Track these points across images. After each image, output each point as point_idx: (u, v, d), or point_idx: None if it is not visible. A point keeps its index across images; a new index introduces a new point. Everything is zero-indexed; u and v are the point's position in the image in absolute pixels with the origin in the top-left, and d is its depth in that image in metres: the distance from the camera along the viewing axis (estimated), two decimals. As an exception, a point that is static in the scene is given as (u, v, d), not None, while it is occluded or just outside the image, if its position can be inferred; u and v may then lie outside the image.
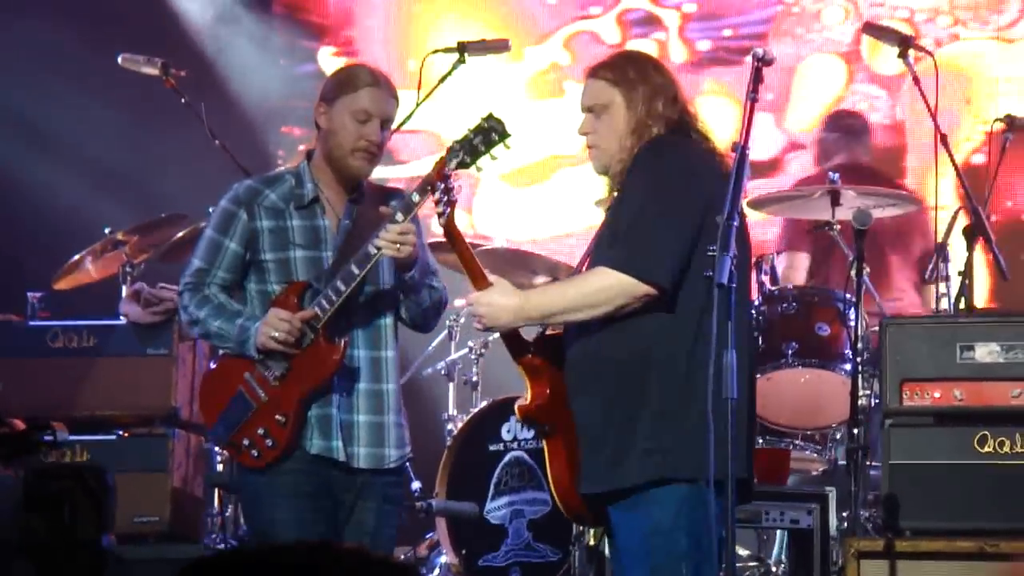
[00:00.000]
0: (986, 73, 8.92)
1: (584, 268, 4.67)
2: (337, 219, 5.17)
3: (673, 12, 9.31)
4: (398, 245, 4.95)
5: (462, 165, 4.89)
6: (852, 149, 8.13)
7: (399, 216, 4.96)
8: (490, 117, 4.92)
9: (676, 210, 4.42)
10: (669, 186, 4.49)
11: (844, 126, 8.24)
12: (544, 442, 4.66)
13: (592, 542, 6.08)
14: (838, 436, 6.76)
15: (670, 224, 4.43)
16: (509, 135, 4.86)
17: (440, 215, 4.74)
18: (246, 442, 5.10)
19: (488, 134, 4.90)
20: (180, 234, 7.14)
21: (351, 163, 5.12)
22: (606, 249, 4.55)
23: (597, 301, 4.51)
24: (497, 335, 7.10)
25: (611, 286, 4.48)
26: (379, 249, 4.97)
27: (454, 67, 6.57)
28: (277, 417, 5.08)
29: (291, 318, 5.03)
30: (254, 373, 5.12)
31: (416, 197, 4.92)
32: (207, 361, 6.67)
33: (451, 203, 4.78)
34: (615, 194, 4.65)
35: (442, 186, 4.77)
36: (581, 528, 6.18)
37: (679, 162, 4.51)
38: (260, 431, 5.10)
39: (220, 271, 5.15)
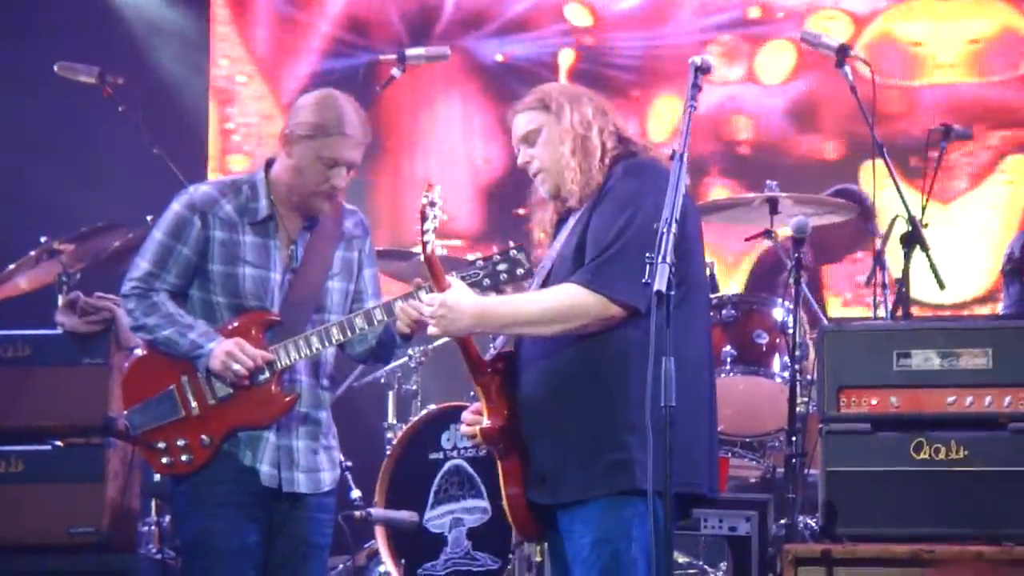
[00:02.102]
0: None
1: (545, 281, 4.65)
2: (289, 242, 5.14)
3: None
4: (415, 322, 4.89)
5: (475, 284, 4.87)
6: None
7: (423, 294, 4.86)
8: (520, 248, 4.88)
9: (655, 233, 4.39)
10: (649, 209, 4.48)
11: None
12: (499, 462, 4.65)
13: (539, 558, 6.08)
14: (776, 443, 6.78)
15: (645, 249, 4.39)
16: (531, 275, 4.82)
17: (424, 246, 4.65)
18: (161, 445, 5.06)
19: (514, 266, 4.87)
20: (117, 243, 7.09)
21: (311, 202, 5.10)
22: (572, 264, 4.55)
23: (563, 317, 4.51)
24: (437, 343, 7.12)
25: (580, 304, 4.49)
26: (373, 326, 4.94)
27: (392, 76, 6.57)
28: (203, 437, 5.05)
29: (255, 357, 4.99)
30: (192, 381, 5.08)
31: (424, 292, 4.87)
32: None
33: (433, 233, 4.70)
34: (576, 210, 4.63)
35: (428, 221, 4.67)
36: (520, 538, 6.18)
37: (660, 185, 4.50)
38: (180, 442, 5.07)
39: (171, 276, 5.10)
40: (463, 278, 4.83)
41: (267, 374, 5.04)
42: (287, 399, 5.07)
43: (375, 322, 5.02)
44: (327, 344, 5.05)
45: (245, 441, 5.07)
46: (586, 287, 4.49)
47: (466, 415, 4.74)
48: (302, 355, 5.05)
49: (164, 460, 5.08)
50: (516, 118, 4.75)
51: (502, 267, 4.88)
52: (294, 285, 5.11)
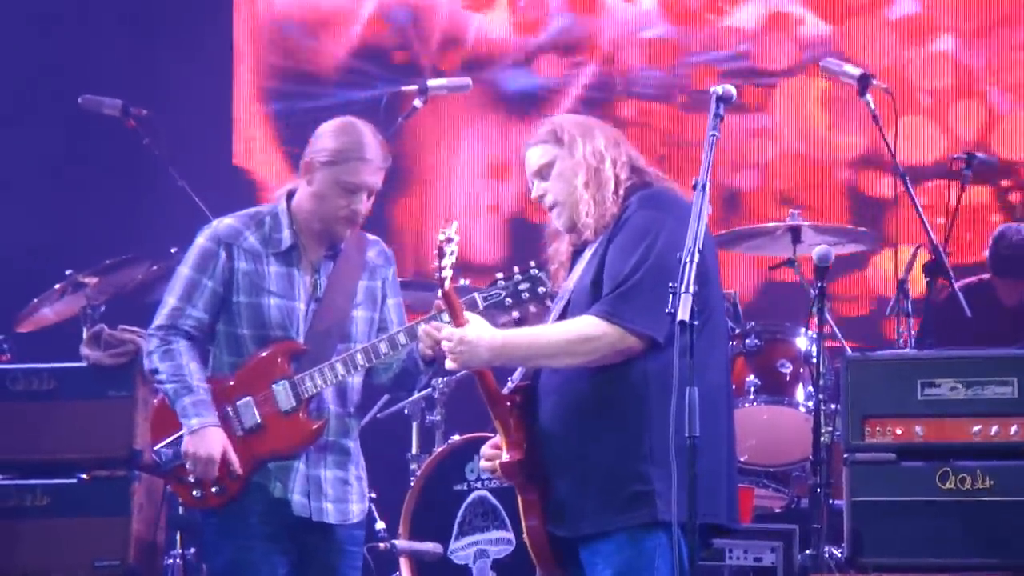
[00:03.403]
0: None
1: (562, 313, 4.65)
2: (313, 271, 5.16)
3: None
4: (437, 345, 4.90)
5: (498, 305, 4.88)
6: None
7: (445, 318, 4.88)
8: (540, 267, 4.88)
9: (673, 264, 4.36)
10: (667, 239, 4.49)
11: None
12: (520, 496, 4.65)
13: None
14: (800, 473, 6.76)
15: (664, 281, 4.35)
16: (551, 296, 4.82)
17: (441, 282, 4.63)
18: (191, 478, 5.07)
19: (536, 284, 4.87)
20: (141, 276, 7.12)
21: (333, 228, 5.12)
22: (590, 296, 4.54)
23: (581, 349, 4.50)
24: (460, 375, 7.12)
25: (598, 336, 4.48)
26: (397, 350, 4.96)
27: (414, 107, 6.59)
28: (232, 468, 5.06)
29: (216, 460, 5.01)
30: (220, 414, 5.10)
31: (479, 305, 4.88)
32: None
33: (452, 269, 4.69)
34: (592, 242, 4.63)
35: (445, 257, 4.64)
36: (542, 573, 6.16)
37: (677, 215, 4.50)
38: None
39: (196, 311, 5.12)
40: (485, 298, 4.84)
41: (294, 403, 5.06)
42: (315, 427, 5.08)
43: (399, 346, 5.03)
44: (352, 371, 5.07)
45: (275, 472, 5.08)
46: (604, 319, 4.48)
47: (485, 449, 4.74)
48: (327, 382, 5.07)
49: (195, 493, 5.09)
50: (528, 151, 4.75)
51: (523, 286, 4.89)
52: (319, 315, 5.13)
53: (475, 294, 4.88)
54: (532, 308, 4.92)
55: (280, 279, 5.13)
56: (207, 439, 5.02)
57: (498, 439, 4.68)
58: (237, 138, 9.34)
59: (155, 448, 5.22)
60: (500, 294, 4.88)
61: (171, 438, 5.14)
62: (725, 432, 4.60)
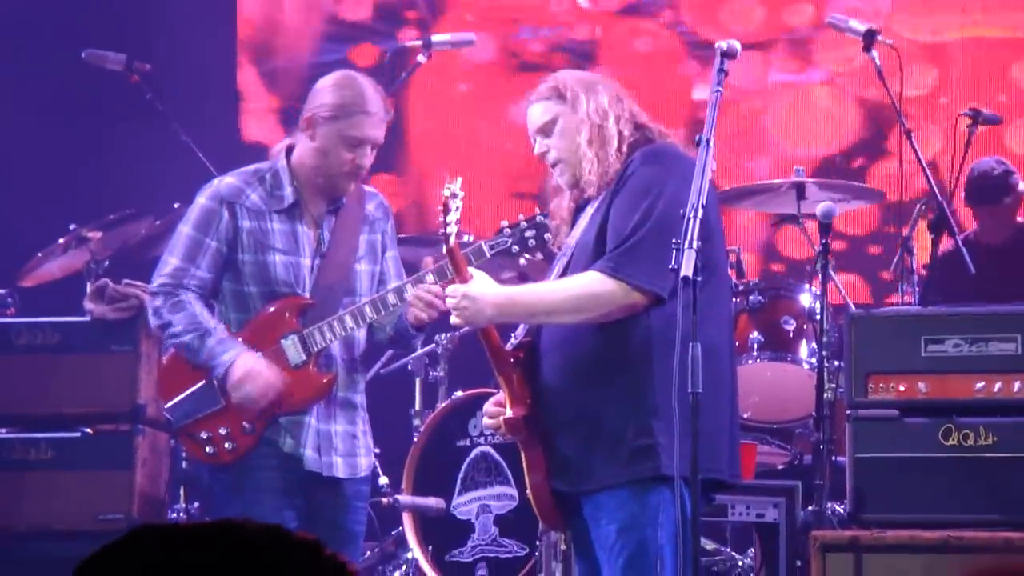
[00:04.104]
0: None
1: (565, 269, 4.64)
2: (316, 226, 5.15)
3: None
4: (431, 308, 4.91)
5: (505, 252, 4.87)
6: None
7: (431, 278, 4.90)
8: (546, 215, 4.87)
9: (676, 220, 4.37)
10: (670, 195, 4.48)
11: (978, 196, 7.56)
12: (523, 452, 4.65)
13: (564, 547, 6.08)
14: (803, 430, 6.77)
15: (668, 237, 4.34)
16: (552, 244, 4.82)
17: (446, 238, 4.62)
18: (204, 435, 5.08)
19: (542, 231, 4.86)
20: (144, 230, 7.12)
21: (337, 182, 5.11)
22: (593, 252, 4.54)
23: (586, 306, 4.50)
24: (463, 331, 7.12)
25: (602, 293, 4.47)
26: (404, 302, 4.95)
27: (417, 62, 6.58)
28: (244, 424, 5.07)
29: (275, 386, 4.98)
30: None
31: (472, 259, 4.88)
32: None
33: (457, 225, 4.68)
34: (594, 199, 4.62)
35: (450, 212, 4.63)
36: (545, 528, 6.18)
37: (680, 171, 4.49)
38: (222, 431, 5.09)
39: (200, 270, 5.10)
40: (491, 247, 4.83)
41: (303, 356, 5.06)
42: (325, 380, 5.09)
43: (406, 296, 5.02)
44: (361, 323, 5.07)
45: (287, 427, 5.09)
46: (609, 275, 4.48)
47: (488, 407, 4.74)
48: (337, 335, 5.07)
49: (208, 450, 5.10)
50: (531, 108, 4.73)
51: (529, 233, 4.89)
52: (323, 269, 5.13)
53: (481, 243, 4.87)
54: (539, 255, 4.92)
55: (284, 236, 5.12)
56: (250, 368, 5.00)
57: (501, 395, 4.69)
58: (242, 98, 9.31)
59: (166, 407, 5.22)
60: (506, 242, 4.88)
61: (181, 396, 5.14)
62: (728, 388, 4.61)
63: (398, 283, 5.12)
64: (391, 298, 5.03)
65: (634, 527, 4.49)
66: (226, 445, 5.06)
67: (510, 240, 4.89)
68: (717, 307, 4.58)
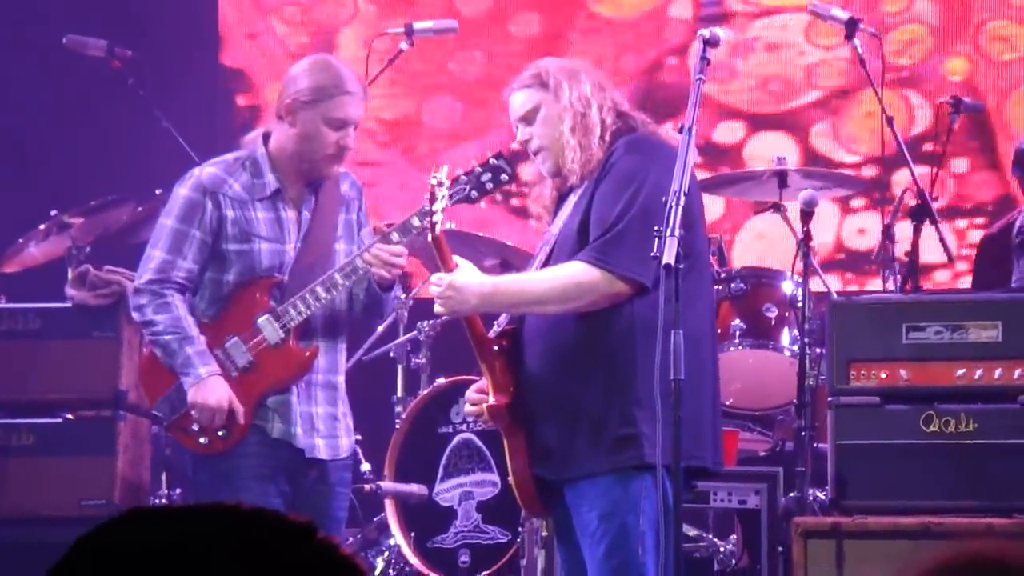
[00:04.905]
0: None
1: (548, 258, 4.65)
2: (297, 210, 5.15)
3: None
4: (388, 266, 4.95)
5: (465, 199, 4.90)
6: None
7: (395, 236, 4.94)
8: (499, 156, 4.91)
9: (659, 208, 4.38)
10: (653, 184, 4.48)
11: None
12: (506, 439, 4.66)
13: (545, 533, 6.10)
14: (785, 417, 6.78)
15: (651, 225, 4.37)
16: (514, 177, 4.85)
17: (432, 226, 4.63)
18: (195, 427, 5.08)
19: (497, 173, 4.90)
20: (126, 217, 7.11)
21: (322, 167, 5.10)
22: (577, 242, 4.54)
23: (570, 295, 4.51)
24: (445, 319, 7.12)
25: (587, 282, 4.49)
26: (369, 264, 4.97)
27: (399, 49, 6.57)
28: (236, 415, 5.06)
29: (225, 408, 4.99)
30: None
31: (416, 222, 4.91)
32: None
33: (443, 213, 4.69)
34: (577, 187, 4.62)
35: (437, 201, 4.64)
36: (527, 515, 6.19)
37: (663, 160, 4.50)
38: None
39: (187, 262, 5.08)
40: (451, 196, 4.83)
41: (281, 333, 5.06)
42: (307, 354, 5.09)
43: (358, 271, 5.04)
44: (333, 291, 5.05)
45: (274, 408, 5.09)
46: (593, 264, 4.49)
47: (470, 394, 4.75)
48: (311, 308, 5.05)
49: (202, 440, 5.09)
50: (513, 96, 4.73)
51: (486, 177, 4.93)
52: (303, 251, 5.13)
53: (412, 216, 4.91)
54: (498, 196, 4.97)
55: (269, 223, 5.12)
56: (216, 388, 5.02)
57: (483, 383, 4.69)
58: (223, 79, 9.29)
59: (154, 407, 5.23)
60: (464, 188, 4.91)
61: (166, 393, 5.14)
62: (710, 375, 4.63)
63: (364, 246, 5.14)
64: (359, 262, 5.03)
65: (615, 513, 4.50)
66: (220, 434, 5.06)
67: (468, 187, 4.92)
68: (699, 295, 4.59)
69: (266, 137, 5.18)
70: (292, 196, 5.15)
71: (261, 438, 5.07)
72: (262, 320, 5.09)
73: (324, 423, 5.14)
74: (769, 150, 7.95)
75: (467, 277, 4.61)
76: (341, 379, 5.23)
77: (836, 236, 8.47)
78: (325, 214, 5.16)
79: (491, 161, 4.94)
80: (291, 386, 5.09)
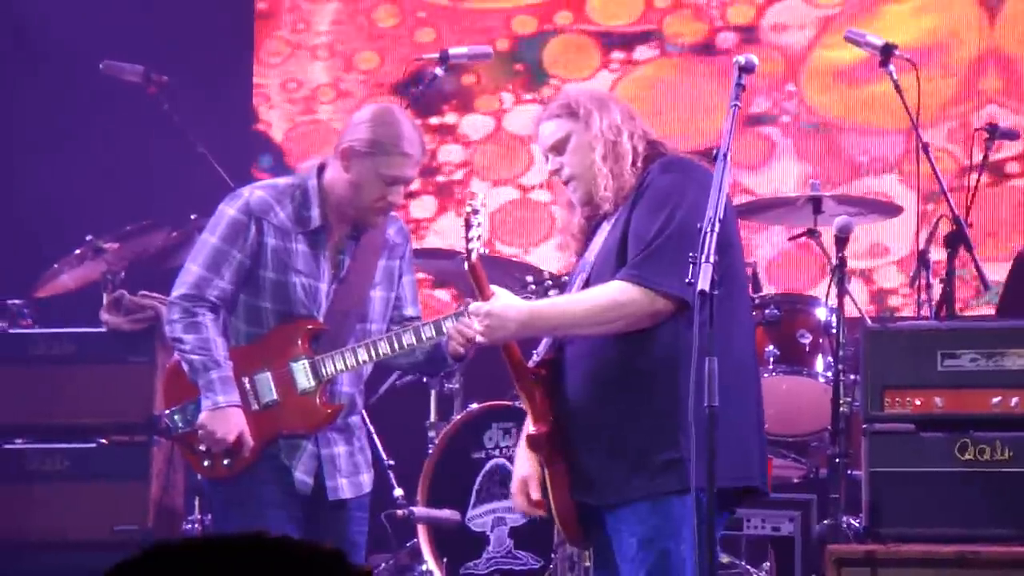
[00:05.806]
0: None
1: (586, 283, 4.64)
2: (337, 251, 5.13)
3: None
4: (469, 342, 4.94)
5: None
6: None
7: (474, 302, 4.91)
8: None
9: (693, 228, 4.36)
10: (691, 202, 4.48)
11: None
12: (546, 469, 4.63)
13: (587, 563, 6.08)
14: (819, 444, 6.76)
15: (690, 242, 4.34)
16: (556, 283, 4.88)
17: (468, 254, 4.60)
18: (202, 448, 5.06)
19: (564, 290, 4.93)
20: (161, 242, 7.13)
21: (367, 216, 5.09)
22: (616, 262, 4.53)
23: (611, 315, 4.49)
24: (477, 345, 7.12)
25: (627, 300, 4.46)
26: (440, 335, 4.97)
27: (435, 75, 6.58)
28: (244, 448, 5.06)
29: (231, 441, 4.99)
30: (236, 385, 5.09)
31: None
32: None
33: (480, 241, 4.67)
34: (611, 215, 4.62)
35: (472, 228, 4.60)
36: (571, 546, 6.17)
37: (698, 179, 4.50)
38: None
39: (223, 282, 5.06)
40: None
41: (313, 382, 5.06)
42: (329, 411, 5.08)
43: (424, 339, 5.03)
44: (373, 358, 5.06)
45: (283, 447, 5.08)
46: (633, 283, 4.47)
47: (516, 499, 4.70)
48: (348, 367, 5.06)
49: (205, 463, 5.09)
50: (542, 126, 4.72)
51: (553, 293, 4.96)
52: (339, 295, 5.11)
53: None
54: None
55: (306, 258, 5.09)
56: (229, 418, 5.00)
57: (525, 474, 4.66)
58: (258, 103, 9.32)
59: (165, 412, 5.21)
60: (530, 298, 4.94)
61: (183, 404, 5.13)
62: (754, 398, 4.62)
63: (408, 312, 5.16)
64: (408, 338, 5.03)
65: (656, 539, 4.48)
66: (224, 461, 5.05)
67: (534, 298, 4.97)
68: (739, 317, 4.58)
69: (321, 168, 5.16)
70: (336, 238, 5.14)
71: (274, 464, 5.06)
72: (297, 365, 5.08)
73: (345, 462, 5.14)
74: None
75: (505, 304, 4.60)
76: (357, 418, 5.24)
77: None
78: (365, 259, 5.15)
79: (564, 278, 4.96)
80: (307, 436, 5.09)
